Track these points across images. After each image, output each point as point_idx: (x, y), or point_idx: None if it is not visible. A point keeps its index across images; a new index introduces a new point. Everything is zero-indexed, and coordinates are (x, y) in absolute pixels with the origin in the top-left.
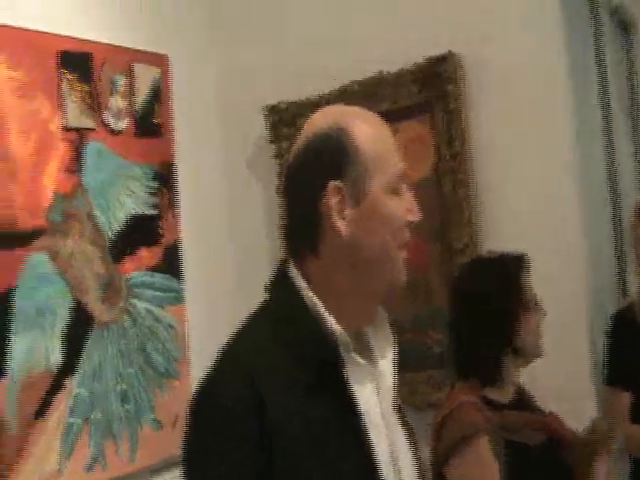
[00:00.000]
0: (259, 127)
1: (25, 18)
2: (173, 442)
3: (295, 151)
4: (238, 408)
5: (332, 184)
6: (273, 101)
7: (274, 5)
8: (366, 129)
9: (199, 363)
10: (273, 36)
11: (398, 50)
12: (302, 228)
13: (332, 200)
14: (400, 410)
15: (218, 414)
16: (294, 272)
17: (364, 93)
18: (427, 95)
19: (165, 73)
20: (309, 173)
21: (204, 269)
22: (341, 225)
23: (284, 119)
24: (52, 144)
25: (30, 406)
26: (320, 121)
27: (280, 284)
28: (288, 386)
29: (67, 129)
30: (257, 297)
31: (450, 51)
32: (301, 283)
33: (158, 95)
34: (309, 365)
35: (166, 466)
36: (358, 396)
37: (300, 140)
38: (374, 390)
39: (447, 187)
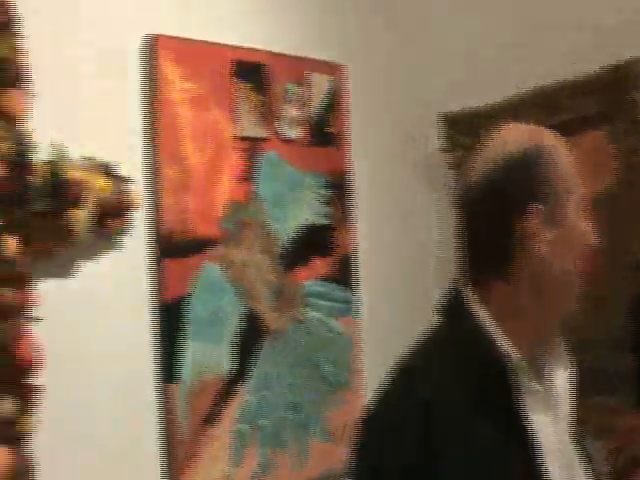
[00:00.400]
0: (435, 135)
1: (199, 29)
2: (342, 454)
3: (484, 170)
4: (408, 432)
5: (534, 206)
6: (449, 109)
7: (450, 11)
8: (560, 149)
9: (371, 375)
10: (450, 43)
11: (578, 56)
12: (492, 251)
13: (534, 223)
14: (578, 438)
15: (388, 436)
16: (469, 294)
17: (542, 101)
18: (609, 104)
19: (340, 82)
20: (505, 195)
21: (378, 280)
22: (542, 249)
23: (460, 127)
24: (226, 153)
25: (201, 412)
26: (512, 140)
27: (454, 306)
28: (460, 410)
29: (241, 138)
30: (431, 311)
31: (633, 56)
32: (477, 306)
33: (333, 104)
34: (483, 390)
35: (334, 478)
36: (534, 424)
37: (489, 158)
38: (550, 417)
39: (631, 200)
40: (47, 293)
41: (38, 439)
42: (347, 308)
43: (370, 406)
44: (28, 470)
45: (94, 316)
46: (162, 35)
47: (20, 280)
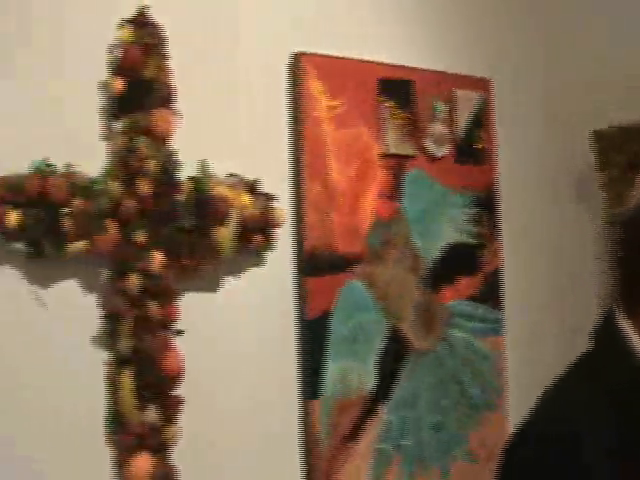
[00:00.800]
0: (586, 153)
1: (345, 47)
2: (486, 477)
3: None
4: (554, 465)
5: None
6: (601, 125)
7: (606, 27)
8: None
9: (516, 397)
10: (605, 58)
11: None
12: None
13: None
14: None
15: (532, 469)
16: (624, 322)
17: None
18: None
19: (488, 98)
20: None
21: (525, 300)
22: None
23: (613, 145)
24: (372, 171)
25: (342, 429)
26: None
27: (607, 334)
28: (611, 443)
29: (387, 156)
30: (580, 334)
31: None
32: (632, 334)
33: (480, 120)
34: (637, 424)
35: None
36: None
37: None
38: None
39: None
40: (191, 307)
41: (179, 448)
42: (493, 328)
43: (515, 434)
44: (170, 478)
45: (237, 331)
46: (306, 53)
47: (165, 294)
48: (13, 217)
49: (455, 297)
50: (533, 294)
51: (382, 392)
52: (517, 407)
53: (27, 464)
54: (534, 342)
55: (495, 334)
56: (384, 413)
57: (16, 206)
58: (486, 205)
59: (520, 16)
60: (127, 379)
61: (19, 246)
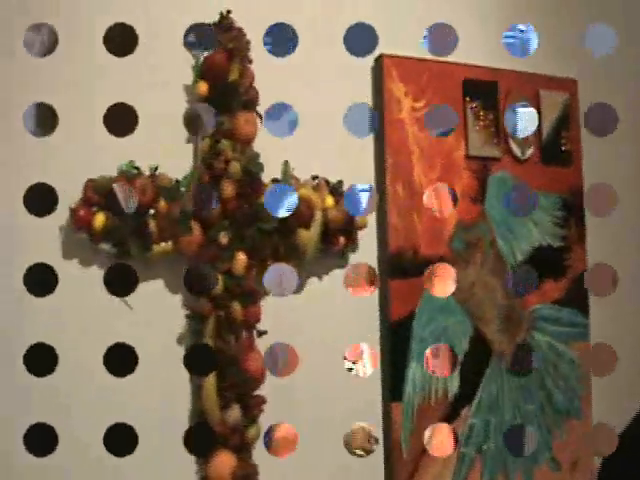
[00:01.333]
0: None
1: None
2: None
3: None
4: None
5: None
6: None
7: None
8: None
9: (601, 404)
10: None
11: None
12: None
13: None
14: None
15: None
16: None
17: None
18: None
19: (574, 99)
20: None
21: (611, 306)
22: None
23: None
24: (456, 173)
25: (424, 432)
26: None
27: None
28: None
29: (471, 158)
30: None
31: None
32: None
33: (566, 122)
34: None
35: None
36: None
37: None
38: None
39: None
40: (274, 309)
41: (260, 448)
42: (579, 333)
43: (620, 440)
44: (251, 477)
45: (319, 332)
46: (389, 55)
47: (248, 295)
48: (100, 219)
49: (540, 301)
50: (620, 300)
51: (465, 395)
52: (602, 415)
53: (112, 460)
54: (621, 348)
55: (581, 339)
56: (467, 417)
57: (103, 208)
58: (573, 208)
59: (606, 16)
60: (210, 378)
61: (106, 247)
